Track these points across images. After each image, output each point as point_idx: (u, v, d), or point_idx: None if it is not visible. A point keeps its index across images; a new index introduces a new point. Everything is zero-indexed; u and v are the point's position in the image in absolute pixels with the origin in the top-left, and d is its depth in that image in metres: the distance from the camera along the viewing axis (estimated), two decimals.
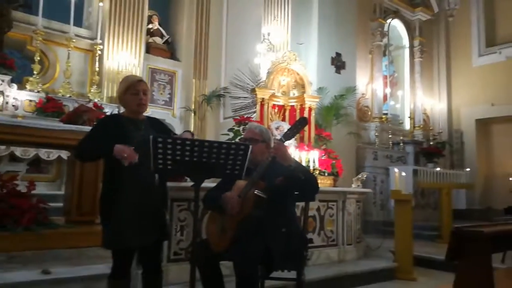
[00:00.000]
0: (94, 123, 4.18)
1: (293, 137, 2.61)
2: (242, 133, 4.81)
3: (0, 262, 3.26)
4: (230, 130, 5.36)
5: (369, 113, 8.84)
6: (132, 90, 2.47)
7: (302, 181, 2.46)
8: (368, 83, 8.93)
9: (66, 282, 2.92)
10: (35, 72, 6.98)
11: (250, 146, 2.32)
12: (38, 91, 6.89)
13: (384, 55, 9.45)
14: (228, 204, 2.42)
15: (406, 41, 9.96)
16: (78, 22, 8.00)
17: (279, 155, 2.42)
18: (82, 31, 8.07)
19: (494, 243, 2.35)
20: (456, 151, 10.10)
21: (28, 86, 6.87)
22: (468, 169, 7.79)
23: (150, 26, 9.04)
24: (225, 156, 2.24)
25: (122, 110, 2.63)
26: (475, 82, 9.91)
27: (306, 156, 4.94)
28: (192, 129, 8.82)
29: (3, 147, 5.82)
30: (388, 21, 9.27)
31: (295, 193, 2.67)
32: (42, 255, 3.56)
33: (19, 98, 6.69)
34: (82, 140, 2.47)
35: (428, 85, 10.24)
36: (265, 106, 5.55)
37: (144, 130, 2.48)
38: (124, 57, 7.94)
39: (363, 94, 8.74)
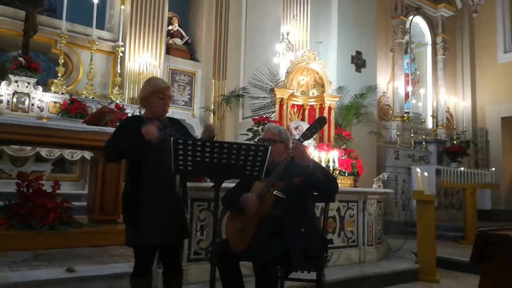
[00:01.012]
0: (117, 123, 4.26)
1: (312, 137, 2.59)
2: (261, 133, 4.81)
3: (26, 260, 3.35)
4: (249, 130, 5.36)
5: (391, 112, 8.70)
6: (160, 94, 2.53)
7: (321, 181, 2.44)
8: (389, 82, 8.79)
9: (90, 280, 2.98)
10: (59, 75, 7.16)
11: (270, 147, 2.31)
12: (62, 93, 7.08)
13: (406, 52, 9.28)
14: (247, 204, 2.43)
15: (428, 38, 9.75)
16: (100, 25, 8.17)
17: (297, 155, 2.41)
18: (104, 34, 8.23)
19: None
20: (481, 150, 9.83)
21: (52, 88, 7.06)
22: (493, 169, 7.57)
23: (170, 27, 9.15)
24: (244, 157, 2.24)
25: (143, 111, 2.68)
26: (500, 79, 9.62)
27: (325, 156, 4.90)
28: None
29: (29, 147, 5.99)
30: (410, 18, 9.10)
31: (314, 193, 2.66)
32: (66, 253, 3.65)
33: (44, 100, 6.89)
34: (108, 140, 2.53)
35: (451, 83, 10.00)
36: (284, 106, 5.52)
37: (165, 128, 2.55)
38: (145, 58, 8.06)
39: (384, 92, 8.60)
